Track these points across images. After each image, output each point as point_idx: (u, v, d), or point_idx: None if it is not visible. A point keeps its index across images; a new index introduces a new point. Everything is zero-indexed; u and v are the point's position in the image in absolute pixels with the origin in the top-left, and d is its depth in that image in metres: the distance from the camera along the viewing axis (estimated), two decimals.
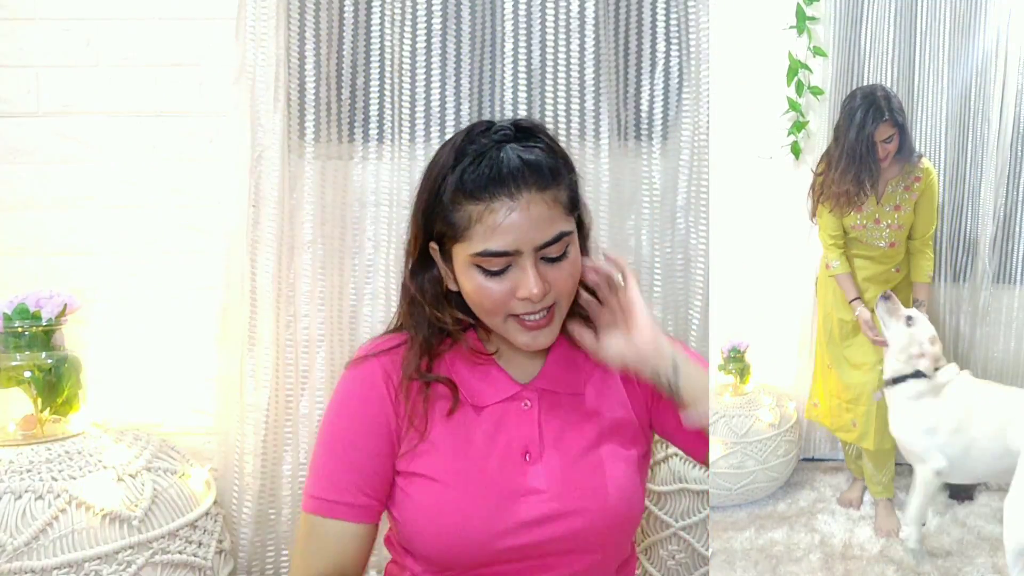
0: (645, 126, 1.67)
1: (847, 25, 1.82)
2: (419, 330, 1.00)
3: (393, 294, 1.62)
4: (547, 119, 1.60)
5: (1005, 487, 1.56)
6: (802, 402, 1.96)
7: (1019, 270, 1.83)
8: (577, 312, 1.02)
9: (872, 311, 1.73)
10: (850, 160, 1.65)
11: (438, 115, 1.60)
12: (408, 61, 1.60)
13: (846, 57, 1.83)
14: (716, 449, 1.80)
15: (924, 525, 1.66)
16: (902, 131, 1.66)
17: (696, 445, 1.05)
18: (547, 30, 1.59)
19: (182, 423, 1.69)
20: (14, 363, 1.40)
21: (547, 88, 1.60)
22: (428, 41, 1.60)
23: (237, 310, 1.60)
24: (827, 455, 2.02)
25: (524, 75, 1.60)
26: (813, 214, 1.77)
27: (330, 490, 0.98)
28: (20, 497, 1.25)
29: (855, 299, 1.72)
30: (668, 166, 1.67)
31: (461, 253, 0.93)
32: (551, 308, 0.95)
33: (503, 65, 1.60)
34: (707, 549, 1.63)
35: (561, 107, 1.60)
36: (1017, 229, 1.81)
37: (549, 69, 1.60)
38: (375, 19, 1.61)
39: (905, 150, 1.68)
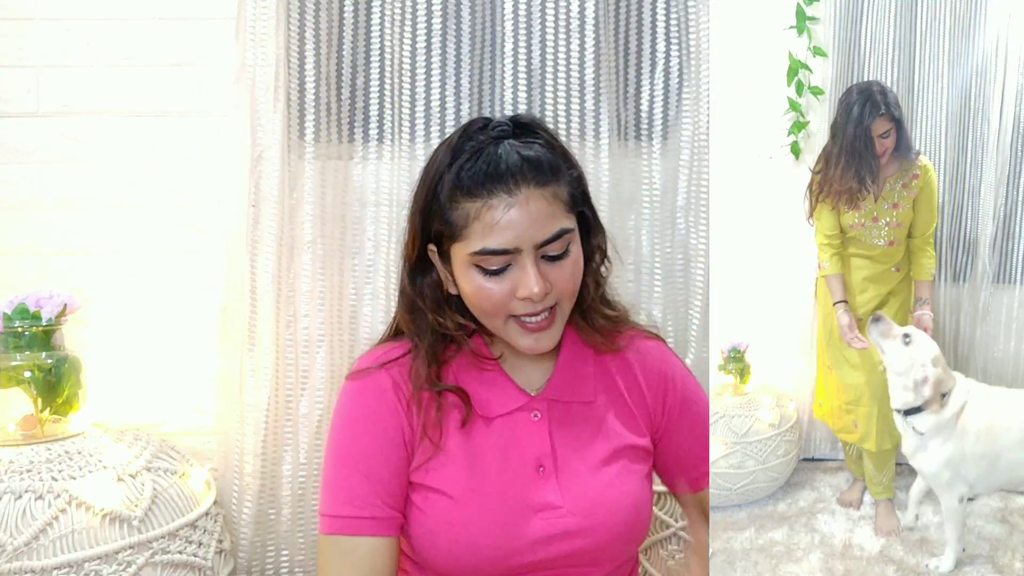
0: (645, 126, 1.67)
1: (847, 25, 1.82)
2: (423, 338, 0.97)
3: (393, 294, 1.61)
4: (547, 119, 1.60)
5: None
6: (802, 402, 1.96)
7: (1019, 270, 1.83)
8: (579, 315, 1.01)
9: (866, 314, 1.73)
10: (850, 156, 1.64)
11: (438, 115, 1.60)
12: (408, 61, 1.60)
13: (846, 57, 1.83)
14: (716, 449, 1.80)
15: (964, 550, 1.62)
16: (899, 126, 1.65)
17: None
18: (547, 30, 1.59)
19: (182, 423, 1.69)
20: (14, 363, 1.40)
21: (547, 88, 1.60)
22: (428, 41, 1.60)
23: (237, 310, 1.60)
24: (827, 455, 2.02)
25: (524, 75, 1.60)
26: (811, 214, 1.77)
27: (352, 506, 0.92)
28: (20, 497, 1.25)
29: (840, 302, 1.70)
30: (668, 166, 1.67)
31: (460, 253, 0.91)
32: (552, 309, 0.93)
33: (503, 65, 1.60)
34: None
35: (561, 107, 1.60)
36: (1017, 229, 1.81)
37: (549, 69, 1.60)
38: (375, 19, 1.61)
39: (903, 146, 1.67)
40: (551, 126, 1.58)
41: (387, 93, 1.62)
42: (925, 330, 1.72)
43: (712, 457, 1.78)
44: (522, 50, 1.59)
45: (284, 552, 1.63)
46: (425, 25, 1.59)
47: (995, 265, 1.82)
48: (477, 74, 1.63)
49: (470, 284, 0.92)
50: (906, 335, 1.57)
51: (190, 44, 1.66)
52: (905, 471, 1.84)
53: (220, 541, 1.46)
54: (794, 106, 1.82)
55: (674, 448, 1.06)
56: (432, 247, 0.95)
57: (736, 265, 1.86)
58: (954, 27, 1.77)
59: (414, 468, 0.96)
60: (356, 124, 1.64)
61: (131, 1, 1.64)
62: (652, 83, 1.67)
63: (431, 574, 0.96)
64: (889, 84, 1.79)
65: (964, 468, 1.54)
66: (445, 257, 0.94)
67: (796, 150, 1.84)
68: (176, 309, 1.68)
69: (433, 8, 1.59)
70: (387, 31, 1.60)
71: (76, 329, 1.54)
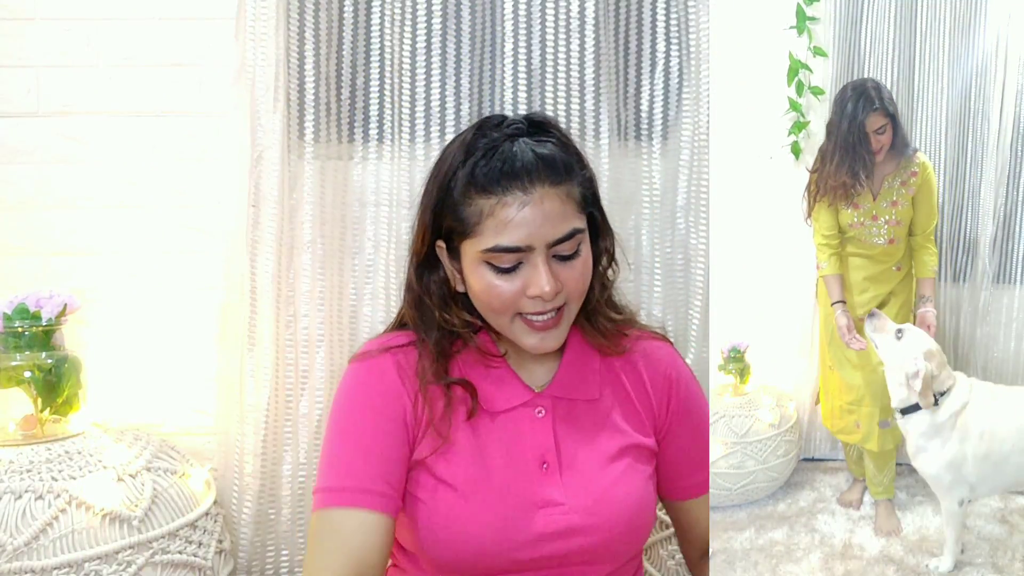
0: (645, 126, 1.67)
1: (847, 25, 1.82)
2: (429, 333, 0.98)
3: (393, 294, 1.62)
4: None
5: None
6: (802, 402, 1.96)
7: (1019, 270, 1.83)
8: (584, 317, 1.01)
9: (867, 314, 1.73)
10: (844, 152, 1.64)
11: (438, 115, 1.60)
12: (408, 61, 1.60)
13: (846, 57, 1.83)
14: (716, 449, 1.80)
15: (964, 551, 1.61)
16: (895, 122, 1.65)
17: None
18: (547, 30, 1.59)
19: (182, 423, 1.69)
20: (14, 363, 1.40)
21: (547, 88, 1.60)
22: (428, 41, 1.60)
23: (237, 310, 1.60)
24: (827, 455, 2.02)
25: (524, 75, 1.60)
26: (808, 215, 1.76)
27: (346, 478, 0.90)
28: (20, 497, 1.25)
29: (837, 303, 1.70)
30: (668, 166, 1.67)
31: (471, 250, 0.91)
32: (560, 309, 0.93)
33: (503, 65, 1.60)
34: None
35: (561, 107, 1.60)
36: (1017, 229, 1.81)
37: (549, 69, 1.60)
38: (375, 19, 1.61)
39: (899, 143, 1.67)
40: None
41: (387, 93, 1.62)
42: (928, 327, 1.72)
43: (712, 457, 1.78)
44: (522, 50, 1.59)
45: (284, 552, 1.63)
46: (425, 25, 1.59)
47: (995, 265, 1.82)
48: (477, 74, 1.63)
49: (480, 281, 0.91)
50: (899, 330, 1.57)
51: (190, 44, 1.66)
52: (905, 471, 1.84)
53: (220, 541, 1.46)
54: (794, 106, 1.82)
55: (674, 451, 1.06)
56: (441, 243, 0.96)
57: (736, 265, 1.86)
58: (954, 27, 1.77)
59: (420, 458, 0.95)
60: (356, 124, 1.64)
61: (131, 1, 1.64)
62: (652, 83, 1.67)
63: (432, 568, 0.96)
64: (889, 84, 1.79)
65: (965, 470, 1.52)
66: (454, 254, 0.94)
67: (796, 150, 1.84)
68: (176, 309, 1.68)
69: (433, 8, 1.59)
70: (387, 31, 1.60)
71: (76, 329, 1.54)
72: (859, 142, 1.63)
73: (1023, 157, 1.79)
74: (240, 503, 1.60)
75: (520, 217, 0.88)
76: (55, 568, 1.22)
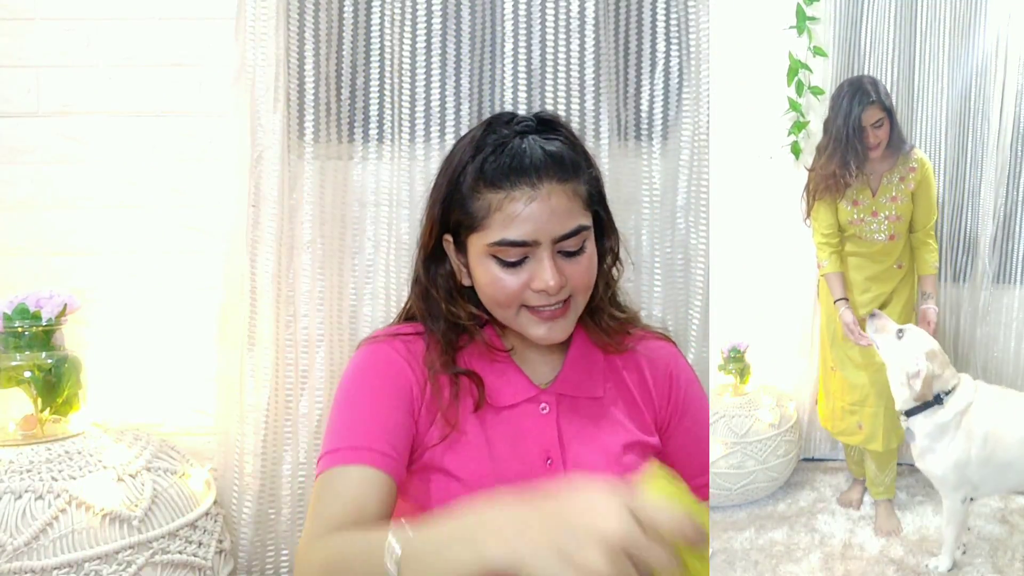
0: (645, 126, 1.67)
1: (847, 25, 1.82)
2: (436, 324, 0.99)
3: (393, 294, 1.62)
4: None
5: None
6: (802, 402, 1.96)
7: (1019, 270, 1.83)
8: (587, 315, 1.02)
9: (867, 314, 1.73)
10: (836, 143, 1.66)
11: (438, 115, 1.60)
12: (408, 61, 1.60)
13: (846, 57, 1.83)
14: (716, 449, 1.80)
15: (964, 552, 1.61)
16: (891, 117, 1.66)
17: None
18: (547, 30, 1.59)
19: (182, 423, 1.69)
20: (14, 363, 1.40)
21: (547, 88, 1.60)
22: (428, 41, 1.60)
23: (237, 310, 1.60)
24: (827, 455, 2.02)
25: (524, 75, 1.60)
26: (807, 214, 1.77)
27: (348, 440, 0.89)
28: (20, 497, 1.25)
29: (840, 299, 1.70)
30: (668, 166, 1.67)
31: (478, 243, 0.92)
32: (567, 301, 0.94)
33: (503, 65, 1.60)
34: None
35: (561, 107, 1.60)
36: (1017, 229, 1.81)
37: (549, 69, 1.60)
38: (375, 19, 1.61)
39: (895, 139, 1.68)
40: None
41: (387, 93, 1.62)
42: (928, 324, 1.72)
43: (712, 457, 1.78)
44: (522, 50, 1.59)
45: (284, 552, 1.63)
46: (425, 25, 1.59)
47: (995, 265, 1.82)
48: (477, 74, 1.63)
49: (486, 275, 0.93)
50: (900, 330, 1.57)
51: (190, 44, 1.66)
52: (905, 471, 1.84)
53: (220, 541, 1.46)
54: (794, 106, 1.82)
55: (674, 448, 1.07)
56: (448, 237, 0.97)
57: (736, 265, 1.86)
58: (954, 27, 1.77)
59: (427, 447, 0.95)
60: (356, 124, 1.64)
61: (131, 1, 1.64)
62: (652, 83, 1.67)
63: None
64: (889, 84, 1.79)
65: (970, 471, 1.52)
66: (461, 248, 0.96)
67: (796, 150, 1.84)
68: (176, 309, 1.68)
69: (433, 8, 1.59)
70: (387, 31, 1.60)
71: (76, 329, 1.54)
72: (854, 134, 1.64)
73: (1023, 157, 1.79)
74: (240, 503, 1.60)
75: (527, 212, 0.89)
76: (55, 568, 1.22)
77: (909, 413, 1.55)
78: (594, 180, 0.97)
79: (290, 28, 1.59)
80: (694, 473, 1.07)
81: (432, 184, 0.99)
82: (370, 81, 1.62)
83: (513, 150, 0.91)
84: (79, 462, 1.33)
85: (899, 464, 1.80)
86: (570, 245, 0.92)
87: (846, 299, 1.71)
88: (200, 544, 1.39)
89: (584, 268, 0.94)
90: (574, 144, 0.96)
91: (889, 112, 1.65)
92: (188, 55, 1.65)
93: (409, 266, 1.60)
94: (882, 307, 1.72)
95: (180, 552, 1.35)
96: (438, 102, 1.60)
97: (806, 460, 2.01)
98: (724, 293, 1.71)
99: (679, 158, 1.65)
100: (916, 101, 1.82)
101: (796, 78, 1.81)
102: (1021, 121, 1.77)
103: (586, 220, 0.94)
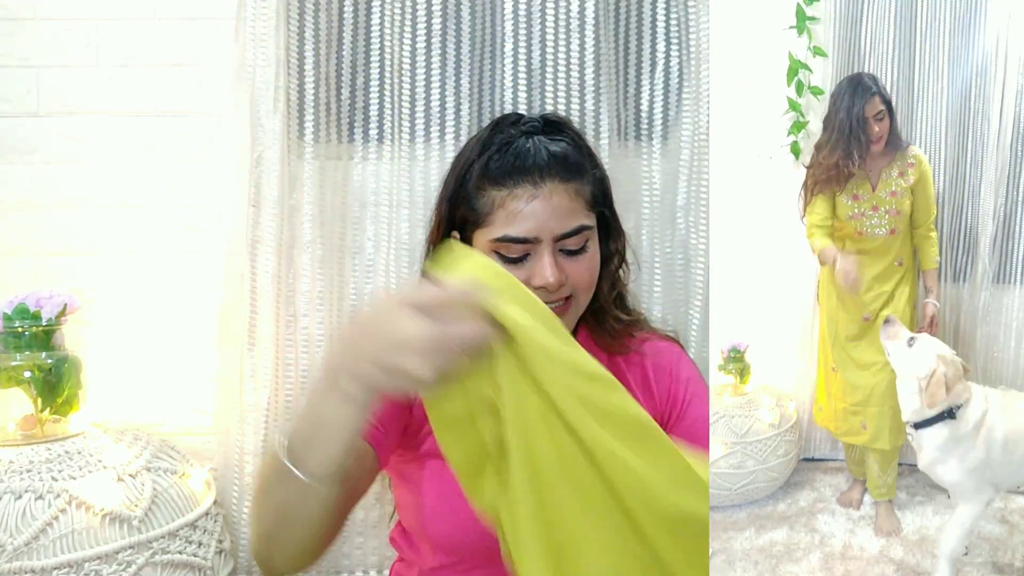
0: (645, 126, 1.67)
1: (847, 25, 1.82)
2: None
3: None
4: None
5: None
6: (802, 402, 1.96)
7: (1019, 270, 1.83)
8: (591, 315, 1.02)
9: (873, 312, 1.73)
10: (839, 136, 1.66)
11: (438, 115, 1.60)
12: (408, 61, 1.60)
13: (846, 57, 1.83)
14: (716, 449, 1.80)
15: (966, 553, 1.59)
16: (891, 111, 1.67)
17: None
18: (547, 30, 1.59)
19: (182, 423, 1.69)
20: (14, 363, 1.40)
21: (547, 88, 1.60)
22: (428, 41, 1.59)
23: (237, 310, 1.60)
24: (827, 455, 2.03)
25: (524, 75, 1.60)
26: (803, 213, 1.76)
27: None
28: (20, 497, 1.25)
29: (836, 259, 1.65)
30: (668, 166, 1.67)
31: (481, 239, 0.94)
32: (568, 299, 0.95)
33: (503, 65, 1.60)
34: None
35: (561, 107, 1.60)
36: (1017, 229, 1.82)
37: (549, 69, 1.60)
38: (375, 19, 1.61)
39: (894, 135, 1.69)
40: None
41: (387, 93, 1.62)
42: (929, 318, 1.72)
43: (712, 457, 1.78)
44: (522, 50, 1.59)
45: None
46: (425, 25, 1.59)
47: (995, 265, 1.82)
48: (477, 74, 1.63)
49: None
50: (911, 338, 1.53)
51: (190, 44, 1.66)
52: (905, 471, 1.84)
53: (220, 541, 1.45)
54: (794, 106, 1.82)
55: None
56: (455, 234, 0.99)
57: (736, 265, 1.86)
58: (954, 27, 1.77)
59: (426, 436, 0.96)
60: (356, 124, 1.64)
61: (131, 1, 1.64)
62: (652, 83, 1.66)
63: (438, 552, 0.96)
64: (889, 84, 1.79)
65: (989, 474, 1.48)
66: (467, 244, 0.97)
67: (796, 150, 1.84)
68: (176, 309, 1.68)
69: (433, 8, 1.59)
70: (387, 31, 1.60)
71: (76, 329, 1.54)
72: (857, 124, 1.65)
73: (1023, 157, 1.79)
74: (240, 503, 1.60)
75: (529, 209, 0.91)
76: (55, 568, 1.22)
77: (918, 426, 1.50)
78: (599, 182, 0.98)
79: (290, 28, 1.59)
80: None
81: (441, 182, 1.02)
82: (370, 81, 1.62)
83: (517, 149, 0.94)
84: (79, 462, 1.33)
85: (899, 464, 1.80)
86: (571, 244, 0.93)
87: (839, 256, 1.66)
88: (200, 544, 1.39)
89: (585, 267, 0.95)
90: (579, 145, 0.98)
91: (889, 105, 1.66)
92: (188, 55, 1.65)
93: (409, 266, 1.61)
94: (884, 305, 1.72)
95: (180, 552, 1.35)
96: (438, 102, 1.60)
97: (806, 460, 2.01)
98: (724, 293, 1.71)
99: (679, 158, 1.65)
100: (916, 101, 1.82)
101: (796, 78, 1.81)
102: (1021, 121, 1.77)
103: (588, 220, 0.95)
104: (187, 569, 1.36)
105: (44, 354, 1.42)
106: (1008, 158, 1.77)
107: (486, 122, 1.37)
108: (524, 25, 1.59)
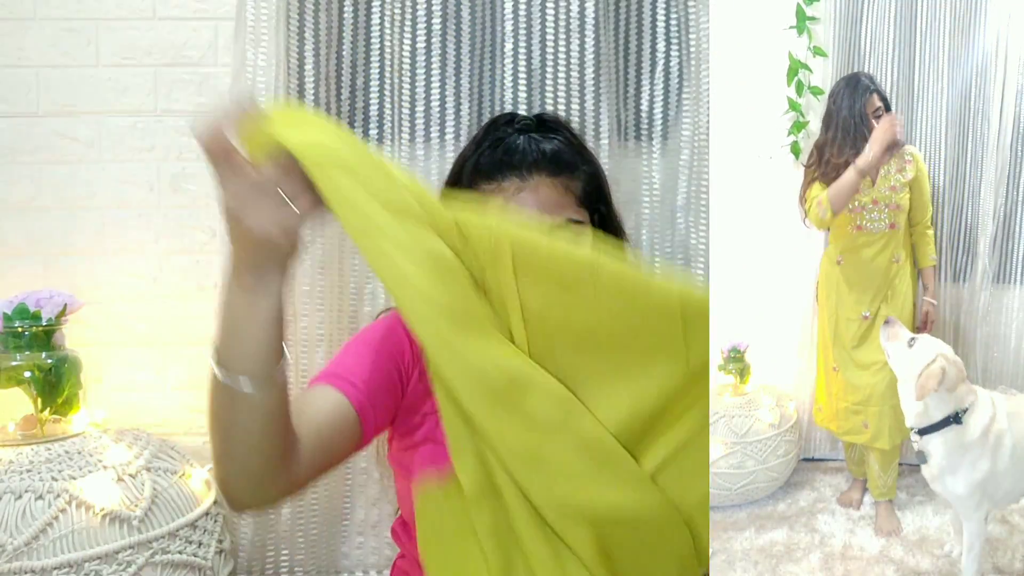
0: (645, 126, 1.67)
1: (847, 25, 1.82)
2: None
3: None
4: None
5: None
6: (802, 402, 1.96)
7: (1019, 270, 1.83)
8: None
9: (873, 312, 1.73)
10: (845, 134, 1.67)
11: (438, 115, 1.60)
12: (408, 61, 1.60)
13: (846, 57, 1.83)
14: (716, 449, 1.80)
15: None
16: (888, 109, 1.68)
17: None
18: (547, 30, 1.59)
19: (182, 423, 1.69)
20: (14, 363, 1.40)
21: (547, 88, 1.60)
22: (428, 41, 1.60)
23: None
24: (827, 455, 2.02)
25: (524, 75, 1.60)
26: (805, 215, 1.76)
27: (329, 369, 0.92)
28: (20, 497, 1.25)
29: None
30: (668, 166, 1.67)
31: None
32: None
33: (503, 65, 1.60)
34: None
35: (561, 107, 1.60)
36: (1017, 229, 1.81)
37: (549, 69, 1.60)
38: (375, 19, 1.61)
39: None
40: None
41: (387, 93, 1.62)
42: (925, 314, 1.72)
43: (712, 457, 1.78)
44: (522, 50, 1.59)
45: (284, 552, 1.63)
46: (425, 25, 1.59)
47: (995, 265, 1.82)
48: (477, 74, 1.63)
49: None
50: (912, 339, 1.48)
51: (190, 44, 1.66)
52: (905, 471, 1.84)
53: (220, 541, 1.45)
54: (794, 106, 1.82)
55: None
56: None
57: (736, 265, 1.86)
58: (954, 27, 1.77)
59: (420, 423, 0.96)
60: (356, 124, 1.64)
61: (131, 1, 1.64)
62: (652, 83, 1.67)
63: None
64: (889, 84, 1.79)
65: (993, 486, 1.41)
66: None
67: (796, 150, 1.84)
68: (176, 309, 1.68)
69: (433, 8, 1.59)
70: (387, 31, 1.60)
71: (76, 329, 1.54)
72: (861, 122, 1.65)
73: (1023, 157, 1.79)
74: None
75: (515, 201, 0.93)
76: (55, 568, 1.22)
77: (923, 432, 1.43)
78: (592, 178, 0.99)
79: (290, 28, 1.59)
80: None
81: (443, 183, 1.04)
82: (370, 81, 1.62)
83: (508, 146, 0.96)
84: (79, 462, 1.33)
85: (899, 464, 1.80)
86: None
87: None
88: (200, 544, 1.39)
89: None
90: (572, 143, 0.99)
91: (886, 103, 1.67)
92: (188, 55, 1.65)
93: None
94: (883, 303, 1.73)
95: (180, 552, 1.35)
96: (438, 102, 1.60)
97: (806, 460, 2.01)
98: (724, 293, 1.71)
99: (679, 158, 1.65)
100: (916, 101, 1.82)
101: (796, 78, 1.80)
102: (1021, 121, 1.77)
103: (579, 216, 0.96)
104: (187, 569, 1.36)
105: (44, 354, 1.42)
106: (1008, 158, 1.77)
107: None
108: (524, 25, 1.59)
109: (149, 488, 1.35)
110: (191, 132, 0.67)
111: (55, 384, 1.43)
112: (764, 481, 1.83)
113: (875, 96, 1.66)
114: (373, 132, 1.63)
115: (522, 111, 1.59)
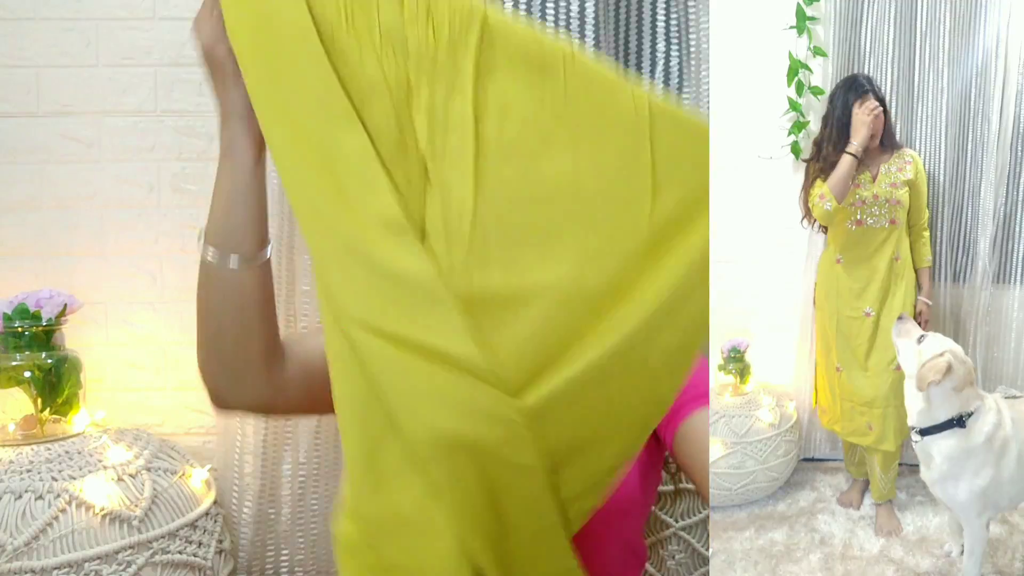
0: None
1: (847, 25, 1.82)
2: None
3: None
4: None
5: None
6: (802, 402, 1.96)
7: (1019, 270, 1.83)
8: None
9: (877, 310, 1.73)
10: (841, 131, 1.68)
11: None
12: None
13: (846, 57, 1.83)
14: (716, 449, 1.80)
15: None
16: (885, 111, 1.69)
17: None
18: (547, 30, 1.59)
19: (182, 423, 1.69)
20: (14, 363, 1.40)
21: None
22: None
23: None
24: (827, 455, 2.02)
25: None
26: (805, 215, 1.77)
27: None
28: (20, 497, 1.25)
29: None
30: None
31: None
32: None
33: None
34: (707, 549, 1.64)
35: None
36: (1017, 229, 1.81)
37: None
38: None
39: (889, 134, 1.71)
40: None
41: None
42: (919, 314, 1.73)
43: (712, 457, 1.78)
44: None
45: (284, 552, 1.63)
46: None
47: (995, 265, 1.82)
48: None
49: None
50: (921, 336, 1.47)
51: (190, 44, 1.65)
52: (905, 471, 1.84)
53: (220, 541, 1.45)
54: (794, 106, 1.82)
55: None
56: None
57: (736, 265, 1.86)
58: (954, 27, 1.77)
59: None
60: None
61: (131, 1, 1.64)
62: (652, 83, 1.66)
63: None
64: (889, 84, 1.79)
65: (997, 493, 1.39)
66: None
67: (796, 150, 1.84)
68: (176, 309, 1.68)
69: None
70: None
71: (76, 329, 1.54)
72: (850, 118, 1.67)
73: (1023, 157, 1.79)
74: (240, 503, 1.60)
75: None
76: (55, 568, 1.22)
77: (924, 432, 1.42)
78: None
79: None
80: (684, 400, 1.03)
81: None
82: None
83: None
84: (79, 462, 1.33)
85: (899, 464, 1.80)
86: None
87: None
88: (200, 544, 1.39)
89: None
90: None
91: (883, 103, 1.69)
92: (188, 55, 1.65)
93: None
94: (884, 300, 1.73)
95: (180, 552, 1.35)
96: None
97: (806, 460, 2.01)
98: (724, 293, 1.71)
99: None
100: (916, 101, 1.82)
101: (796, 78, 1.81)
102: (1021, 121, 1.77)
103: None
104: (187, 569, 1.36)
105: (44, 354, 1.42)
106: (1008, 158, 1.77)
107: None
108: None
109: (149, 488, 1.35)
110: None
111: (55, 384, 1.43)
112: (764, 481, 1.83)
113: (870, 96, 1.67)
114: None
115: None
